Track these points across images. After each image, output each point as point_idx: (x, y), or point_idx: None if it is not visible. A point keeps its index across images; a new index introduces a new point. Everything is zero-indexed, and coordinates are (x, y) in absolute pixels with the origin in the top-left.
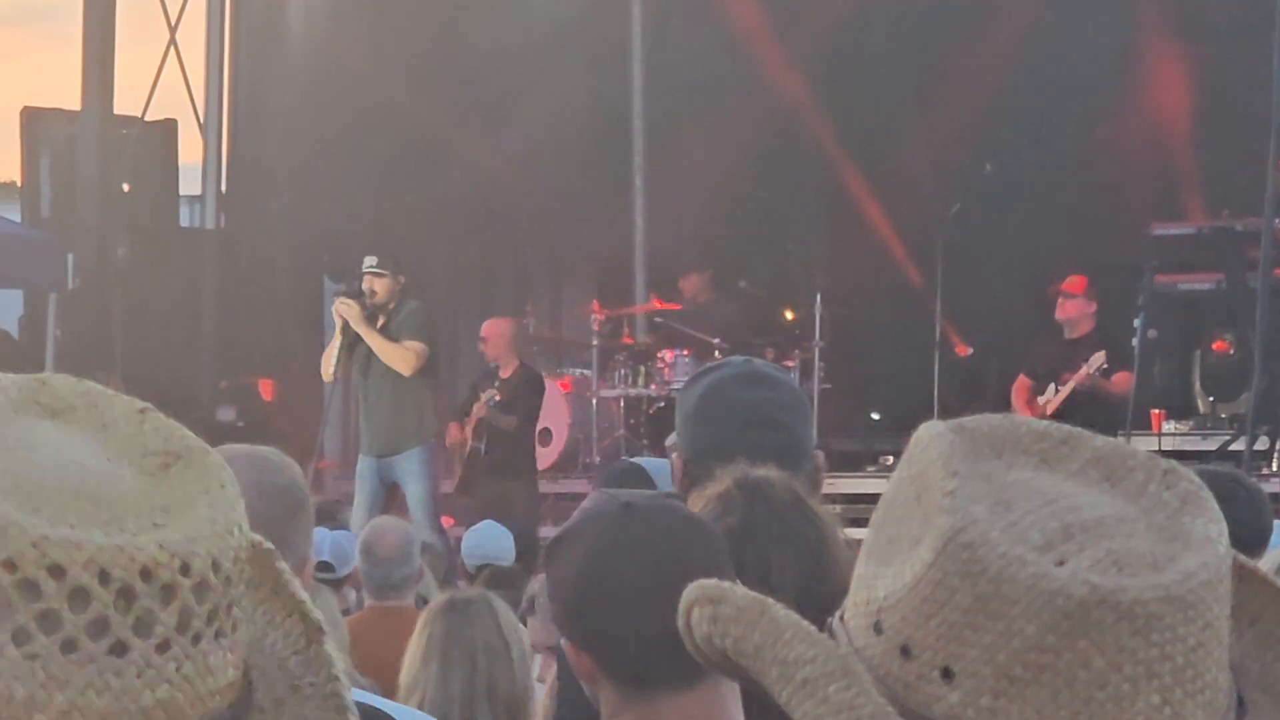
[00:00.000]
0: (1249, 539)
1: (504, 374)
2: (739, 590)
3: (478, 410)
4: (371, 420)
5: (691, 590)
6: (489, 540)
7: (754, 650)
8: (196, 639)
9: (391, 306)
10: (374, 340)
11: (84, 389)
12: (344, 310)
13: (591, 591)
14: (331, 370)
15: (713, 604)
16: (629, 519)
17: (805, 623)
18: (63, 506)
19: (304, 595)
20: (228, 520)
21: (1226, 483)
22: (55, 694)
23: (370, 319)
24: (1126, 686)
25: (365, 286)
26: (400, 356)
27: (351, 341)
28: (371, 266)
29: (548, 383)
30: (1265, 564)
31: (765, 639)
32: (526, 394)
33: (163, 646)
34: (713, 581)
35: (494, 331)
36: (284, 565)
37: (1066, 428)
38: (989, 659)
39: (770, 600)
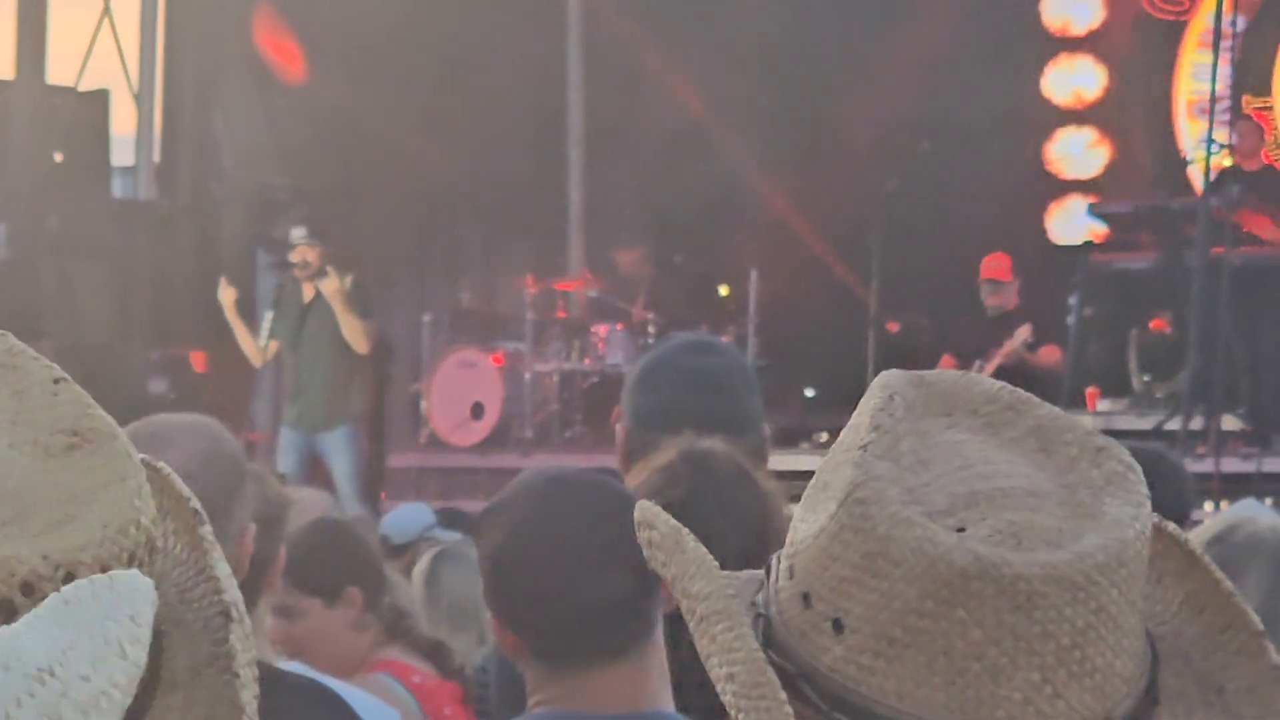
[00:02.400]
0: (1169, 515)
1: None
2: (662, 518)
3: None
4: (303, 395)
5: (637, 510)
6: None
7: (672, 580)
8: None
9: (336, 285)
10: (345, 315)
11: (7, 347)
12: (327, 285)
13: (514, 565)
14: (260, 349)
15: (646, 528)
16: (555, 493)
17: (709, 558)
18: None
19: (222, 572)
20: (123, 519)
21: (1148, 459)
22: None
23: (295, 293)
24: (1004, 661)
25: (298, 257)
26: (363, 335)
27: (284, 316)
28: (303, 237)
29: (480, 356)
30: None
31: (679, 571)
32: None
33: None
34: (647, 504)
35: None
36: (207, 533)
37: (1020, 393)
38: (871, 617)
39: (685, 531)
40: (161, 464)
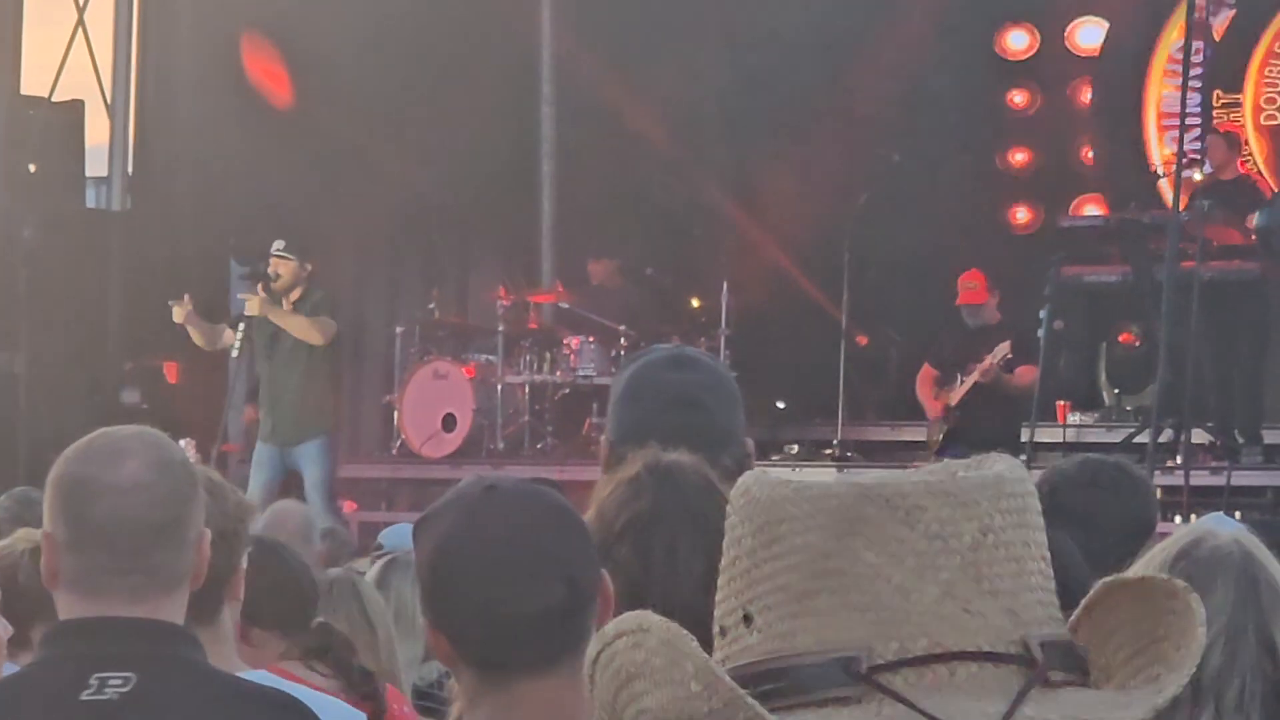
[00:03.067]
0: (1133, 527)
1: None
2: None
3: None
4: (276, 409)
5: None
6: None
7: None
8: None
9: (297, 294)
10: (285, 320)
11: None
12: (251, 305)
13: (445, 572)
14: (207, 337)
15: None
16: (488, 501)
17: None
18: None
19: None
20: None
21: (1112, 472)
22: None
23: (274, 302)
24: (903, 579)
25: (270, 270)
26: (313, 328)
27: (254, 330)
28: (279, 250)
29: (451, 367)
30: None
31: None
32: None
33: None
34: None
35: None
36: None
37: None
38: (777, 586)
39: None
40: None
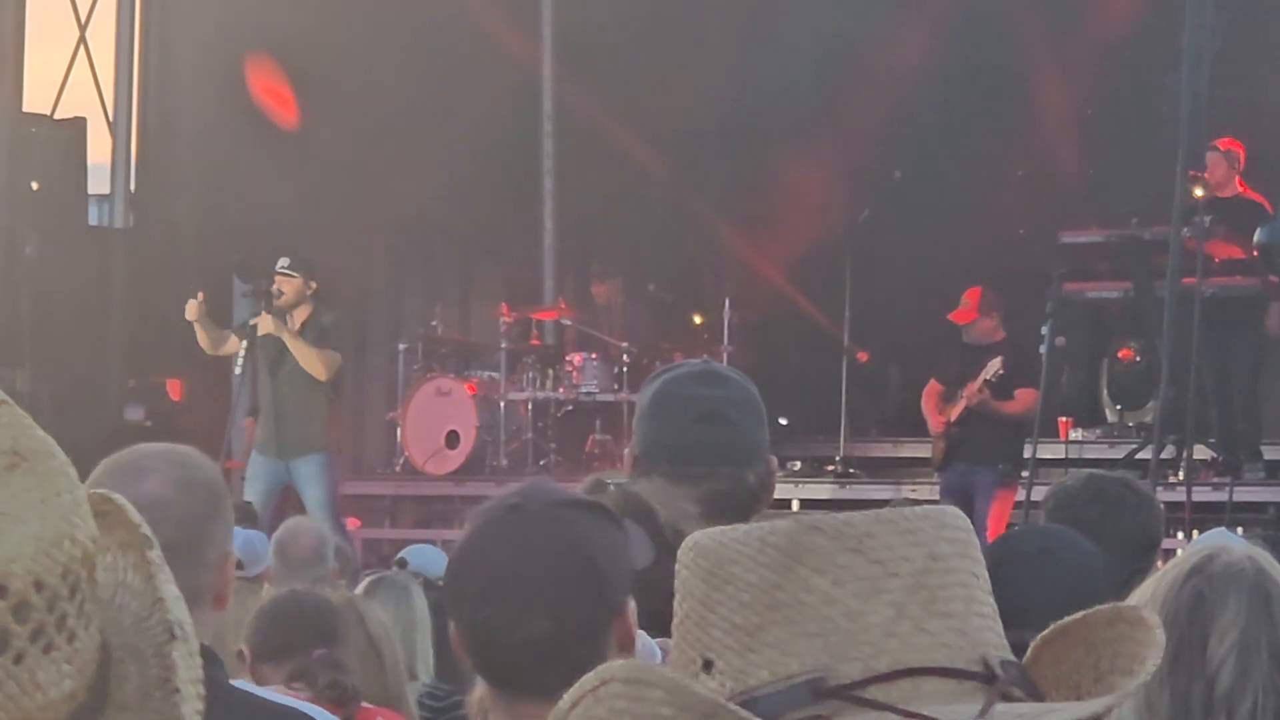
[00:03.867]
0: (1138, 543)
1: None
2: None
3: None
4: (276, 423)
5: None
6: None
7: None
8: (19, 658)
9: (304, 314)
10: (294, 345)
11: None
12: (264, 324)
13: (451, 589)
14: (213, 340)
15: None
16: (503, 523)
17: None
18: None
19: (168, 593)
20: (56, 533)
21: (1116, 488)
22: None
23: (280, 320)
24: (855, 603)
25: (274, 287)
26: (318, 362)
27: (259, 344)
28: (284, 267)
29: (454, 384)
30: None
31: None
32: None
33: None
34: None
35: None
36: (156, 557)
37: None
38: (732, 626)
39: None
40: (116, 496)
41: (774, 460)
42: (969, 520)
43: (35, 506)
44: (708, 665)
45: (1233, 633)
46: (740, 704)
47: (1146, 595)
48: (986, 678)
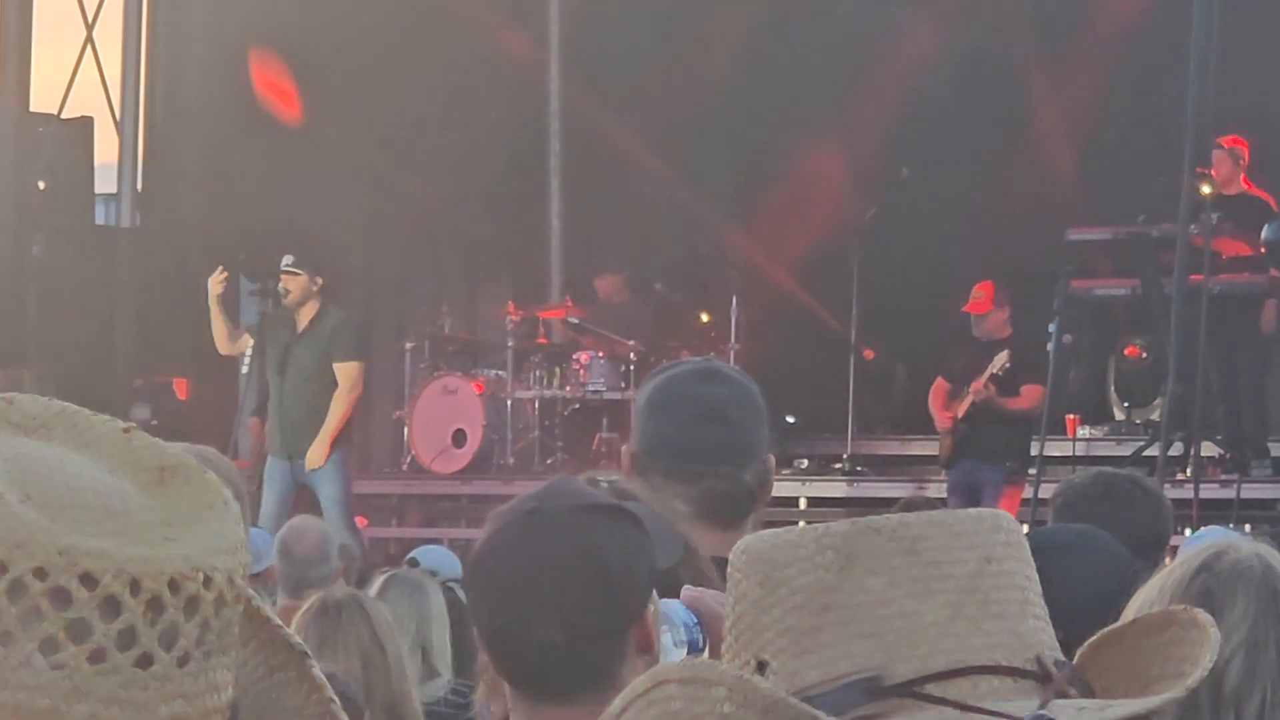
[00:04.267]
0: (1146, 540)
1: None
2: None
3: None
4: (286, 421)
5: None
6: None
7: None
8: (208, 654)
9: (311, 312)
10: (335, 419)
11: (58, 408)
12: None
13: (470, 591)
14: (229, 339)
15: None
16: (520, 527)
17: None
18: (77, 517)
19: (278, 620)
20: (235, 536)
21: (1124, 485)
22: (76, 705)
23: (286, 320)
24: (910, 604)
25: (280, 286)
26: (350, 397)
27: (267, 341)
28: (288, 265)
29: (461, 383)
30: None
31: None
32: None
33: (183, 660)
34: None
35: None
36: (318, 673)
37: None
38: (785, 629)
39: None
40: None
41: (772, 459)
42: (1014, 523)
43: (205, 510)
44: (761, 667)
45: (1240, 630)
46: (787, 707)
47: (1154, 592)
48: (1042, 677)
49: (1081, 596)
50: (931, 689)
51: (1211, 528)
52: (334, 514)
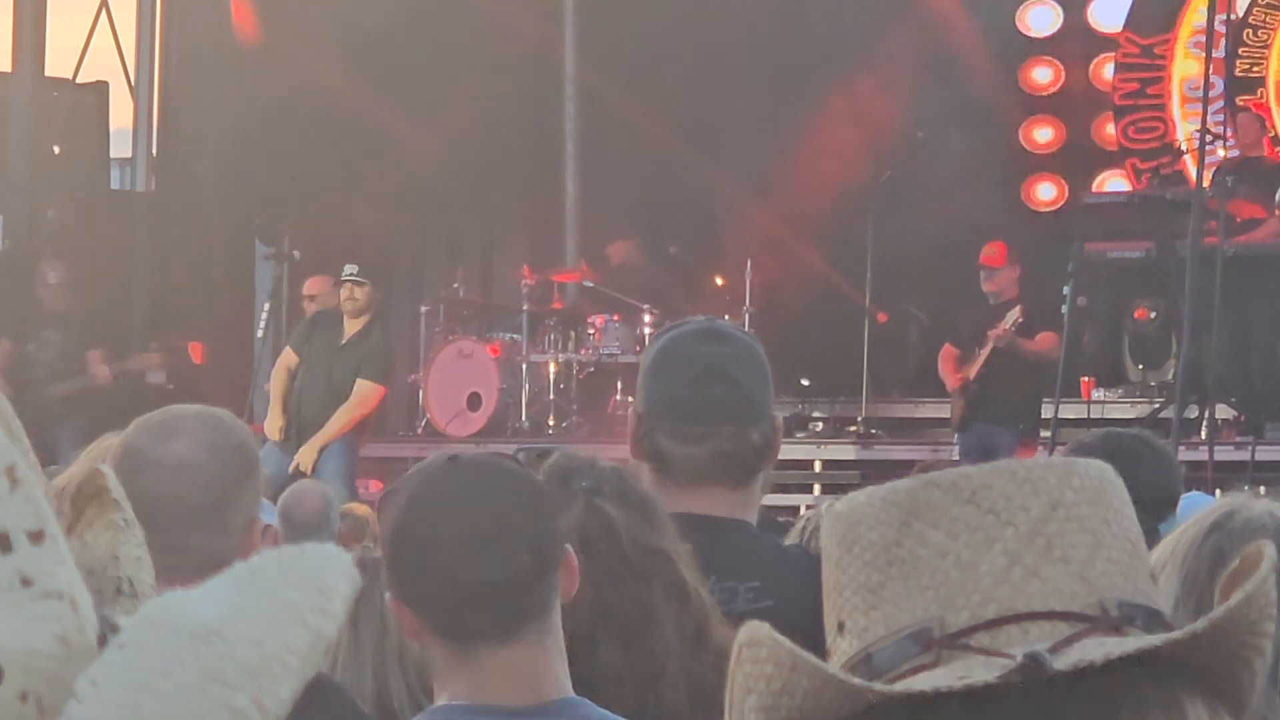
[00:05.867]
0: (1154, 500)
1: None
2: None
3: None
4: (300, 419)
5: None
6: None
7: None
8: None
9: (360, 324)
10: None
11: None
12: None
13: (410, 542)
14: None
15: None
16: (451, 472)
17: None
18: None
19: (124, 552)
20: (56, 630)
21: (1133, 443)
22: None
23: (334, 324)
24: (967, 553)
25: (345, 294)
26: (359, 407)
27: (316, 341)
28: (353, 275)
29: (476, 346)
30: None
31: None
32: None
33: None
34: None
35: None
36: (122, 519)
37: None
38: (857, 586)
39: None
40: (106, 469)
41: (779, 418)
42: (1109, 469)
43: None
44: (840, 627)
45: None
46: (858, 661)
47: (1166, 552)
48: (1102, 621)
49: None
50: (980, 638)
51: (1193, 494)
52: (337, 485)
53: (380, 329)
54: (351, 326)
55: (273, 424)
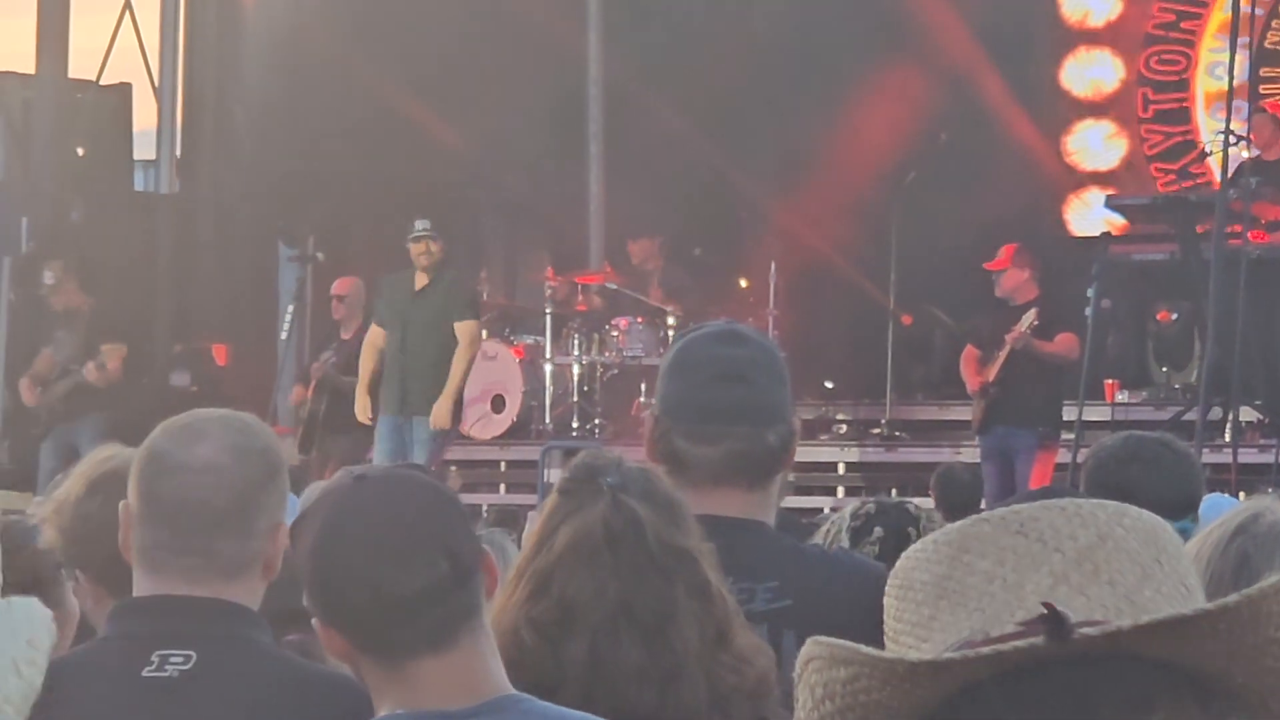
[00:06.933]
0: (1175, 502)
1: (345, 335)
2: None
3: (315, 371)
4: (401, 382)
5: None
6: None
7: None
8: None
9: (431, 276)
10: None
11: None
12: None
13: (328, 563)
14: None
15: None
16: (359, 490)
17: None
18: None
19: None
20: None
21: (1154, 446)
22: None
23: (403, 282)
24: (1014, 576)
25: (420, 249)
26: (470, 351)
27: (393, 301)
28: (426, 230)
29: (500, 348)
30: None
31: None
32: None
33: None
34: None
35: (346, 290)
36: None
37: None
38: (909, 626)
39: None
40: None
41: (797, 421)
42: (1165, 523)
43: None
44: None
45: None
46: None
47: (1190, 555)
48: None
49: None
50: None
51: (1214, 495)
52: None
53: (450, 271)
54: (420, 279)
55: (361, 406)
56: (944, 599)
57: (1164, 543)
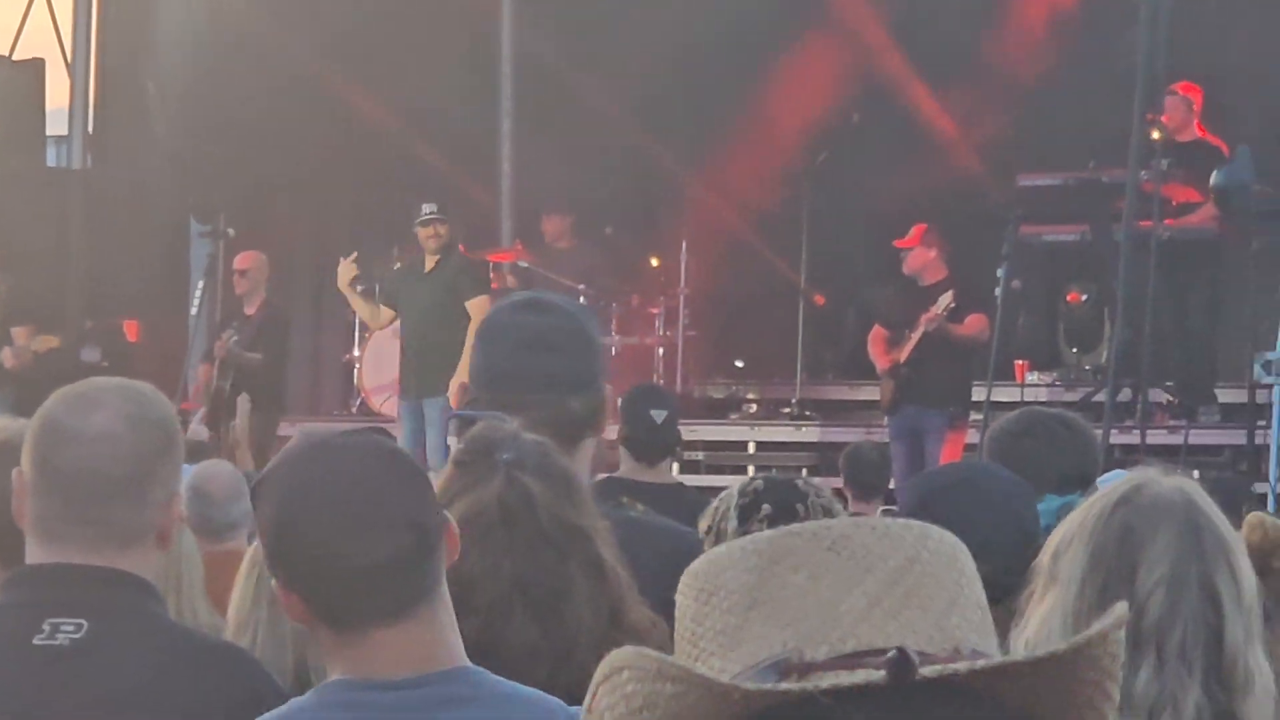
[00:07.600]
0: (1071, 477)
1: (248, 310)
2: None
3: (218, 349)
4: (418, 362)
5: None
6: None
7: None
8: None
9: (439, 258)
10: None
11: None
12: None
13: (290, 530)
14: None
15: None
16: (324, 455)
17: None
18: None
19: None
20: None
21: (1048, 422)
22: None
23: (413, 267)
24: (829, 594)
25: (429, 232)
26: (480, 316)
27: (404, 284)
28: (434, 213)
29: None
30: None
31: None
32: (270, 331)
33: None
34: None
35: (249, 264)
36: None
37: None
38: (716, 632)
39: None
40: None
41: (608, 388)
42: (958, 541)
43: None
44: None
45: (1162, 565)
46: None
47: (1074, 526)
48: (959, 661)
49: (997, 526)
50: (840, 673)
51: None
52: (433, 461)
53: (457, 252)
54: (430, 260)
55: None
56: (754, 609)
57: (963, 565)
